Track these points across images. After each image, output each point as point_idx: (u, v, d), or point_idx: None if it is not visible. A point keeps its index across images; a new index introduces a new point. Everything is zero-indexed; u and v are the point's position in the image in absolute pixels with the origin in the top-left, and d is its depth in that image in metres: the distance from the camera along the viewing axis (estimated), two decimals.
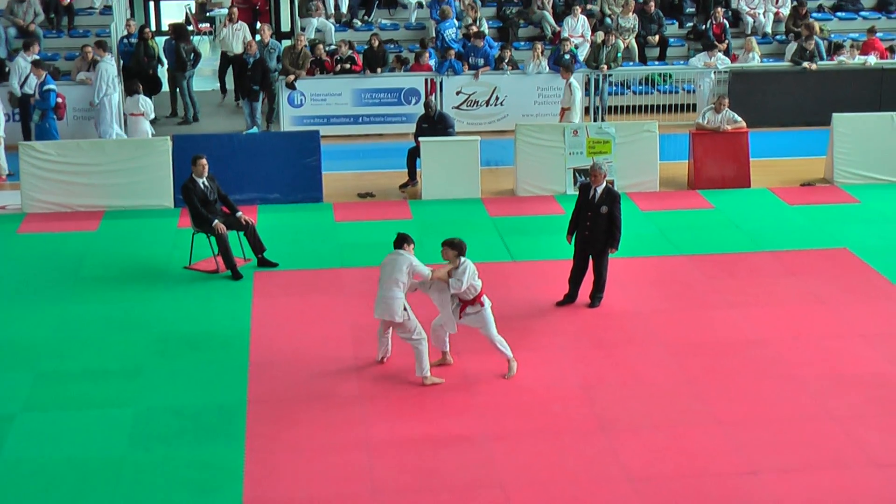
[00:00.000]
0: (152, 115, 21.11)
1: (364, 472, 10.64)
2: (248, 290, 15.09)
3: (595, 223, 14.20)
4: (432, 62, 23.26)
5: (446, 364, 12.70)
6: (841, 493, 10.33)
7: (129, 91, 20.83)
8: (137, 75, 23.37)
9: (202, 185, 15.62)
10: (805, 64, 23.57)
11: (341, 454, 10.95)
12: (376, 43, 23.07)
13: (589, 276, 14.46)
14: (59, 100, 20.50)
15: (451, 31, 23.98)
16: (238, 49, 23.95)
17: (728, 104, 19.80)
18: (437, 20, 24.44)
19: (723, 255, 16.36)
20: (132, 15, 26.56)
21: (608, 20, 25.27)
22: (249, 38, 23.89)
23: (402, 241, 12.46)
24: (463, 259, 12.32)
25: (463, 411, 11.81)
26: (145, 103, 20.75)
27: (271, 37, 23.73)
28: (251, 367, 12.77)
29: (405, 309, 12.25)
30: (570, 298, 14.52)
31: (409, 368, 12.53)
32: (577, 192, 14.57)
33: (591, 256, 14.38)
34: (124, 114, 21.43)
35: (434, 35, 24.24)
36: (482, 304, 12.41)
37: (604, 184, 14.30)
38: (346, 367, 12.74)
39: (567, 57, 23.10)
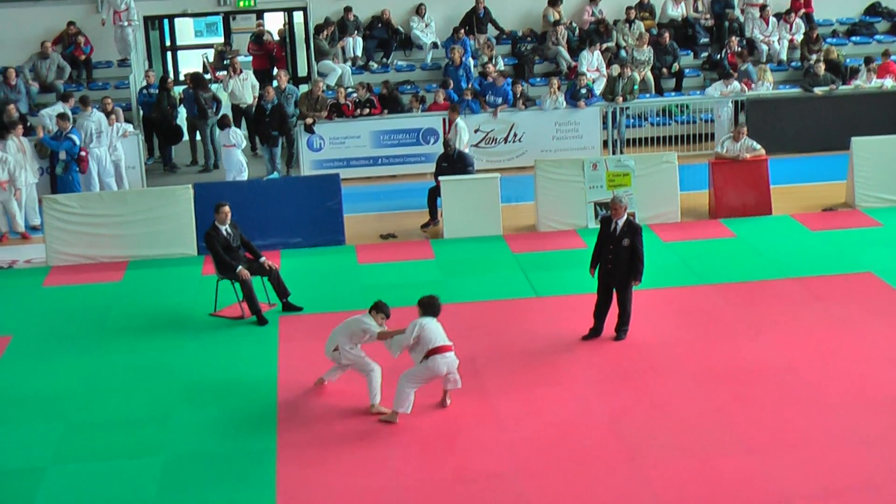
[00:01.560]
0: (244, 145, 21.57)
1: None
2: (274, 334, 15.13)
3: (617, 256, 14.20)
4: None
5: (392, 422, 12.51)
6: None
7: (221, 125, 21.66)
8: (160, 125, 23.62)
9: (225, 232, 15.70)
10: (822, 89, 23.62)
11: (372, 495, 10.94)
12: (385, 91, 23.21)
13: (614, 309, 14.45)
14: (83, 153, 20.67)
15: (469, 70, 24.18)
16: (248, 99, 24.13)
17: (746, 132, 19.80)
18: (450, 61, 24.56)
19: (746, 284, 16.33)
20: (150, 66, 26.76)
21: (623, 53, 25.35)
22: (256, 84, 24.08)
23: (373, 307, 12.89)
24: (416, 322, 12.51)
25: (491, 448, 11.79)
26: (236, 135, 21.43)
27: (288, 82, 23.88)
28: (279, 411, 12.79)
29: (350, 355, 12.76)
30: (595, 332, 14.50)
31: (435, 408, 12.58)
32: (599, 226, 14.59)
33: (614, 289, 14.38)
34: (216, 146, 22.48)
35: (456, 75, 24.31)
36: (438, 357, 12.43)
37: (625, 216, 14.30)
38: None
39: (584, 91, 23.20)
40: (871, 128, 21.72)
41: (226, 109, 24.44)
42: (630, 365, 13.68)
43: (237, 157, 21.30)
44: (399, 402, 12.36)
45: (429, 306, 12.63)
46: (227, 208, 15.77)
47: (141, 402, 13.17)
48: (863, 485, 10.79)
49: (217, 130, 22.77)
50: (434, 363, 12.35)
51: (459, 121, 21.00)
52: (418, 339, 12.38)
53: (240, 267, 15.57)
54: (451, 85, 23.56)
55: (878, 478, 10.88)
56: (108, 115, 21.80)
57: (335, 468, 11.48)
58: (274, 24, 30.71)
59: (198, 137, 24.12)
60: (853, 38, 27.01)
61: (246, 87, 24.30)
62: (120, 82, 25.11)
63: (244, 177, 21.27)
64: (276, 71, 25.47)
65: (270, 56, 27.34)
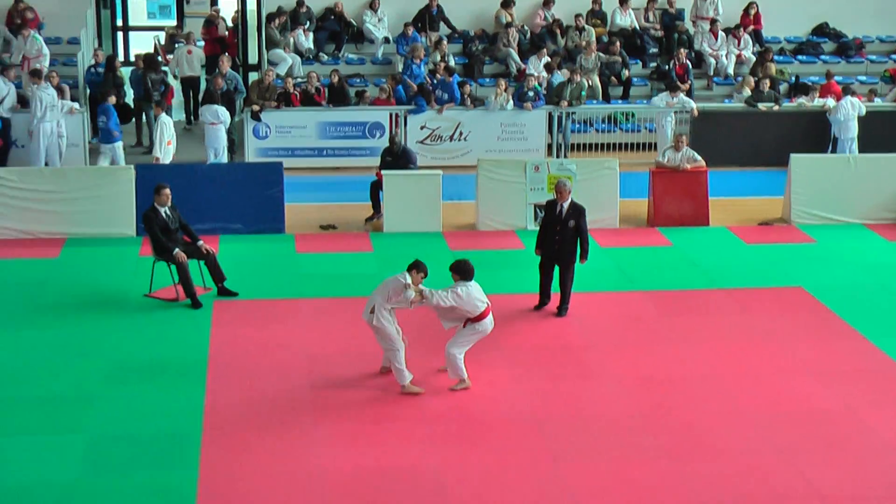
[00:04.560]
0: (229, 123, 21.61)
1: (317, 502, 10.73)
2: (208, 318, 15.17)
3: (564, 237, 15.10)
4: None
5: (465, 387, 13.14)
6: None
7: (206, 101, 21.80)
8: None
9: (164, 214, 15.71)
10: (767, 105, 23.90)
11: (294, 483, 11.02)
12: (336, 79, 23.26)
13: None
14: None
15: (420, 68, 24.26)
16: (189, 71, 24.27)
17: (688, 142, 20.01)
18: (404, 55, 24.66)
19: (678, 292, 16.54)
20: (100, 44, 26.60)
21: (581, 59, 25.32)
22: (203, 60, 24.19)
23: (411, 266, 12.97)
24: (459, 283, 12.94)
25: (416, 441, 11.91)
26: (224, 113, 21.49)
27: (230, 68, 23.79)
28: (207, 395, 12.84)
29: (381, 318, 12.78)
30: (543, 304, 15.42)
31: (362, 399, 12.70)
32: (544, 210, 15.52)
33: (557, 267, 15.18)
34: (202, 123, 22.03)
35: (402, 70, 24.38)
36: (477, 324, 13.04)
37: (569, 199, 15.15)
38: (301, 397, 12.82)
39: (531, 93, 23.35)
40: (811, 146, 22.03)
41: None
42: (558, 367, 13.84)
43: (221, 135, 21.41)
44: (459, 370, 13.01)
45: (465, 272, 13.00)
46: (167, 190, 15.78)
47: (68, 380, 13.18)
48: (776, 493, 11.00)
49: (151, 109, 22.95)
50: (483, 326, 13.01)
51: (163, 116, 20.98)
52: (458, 306, 12.84)
53: (176, 249, 15.59)
54: (401, 81, 23.59)
55: (791, 487, 11.09)
56: (57, 91, 21.69)
57: (259, 454, 11.54)
58: (228, 9, 30.63)
59: (143, 119, 24.02)
60: (799, 57, 27.31)
61: (190, 61, 24.46)
62: (68, 59, 24.96)
63: (224, 157, 21.31)
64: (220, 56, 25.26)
65: (222, 42, 27.25)
